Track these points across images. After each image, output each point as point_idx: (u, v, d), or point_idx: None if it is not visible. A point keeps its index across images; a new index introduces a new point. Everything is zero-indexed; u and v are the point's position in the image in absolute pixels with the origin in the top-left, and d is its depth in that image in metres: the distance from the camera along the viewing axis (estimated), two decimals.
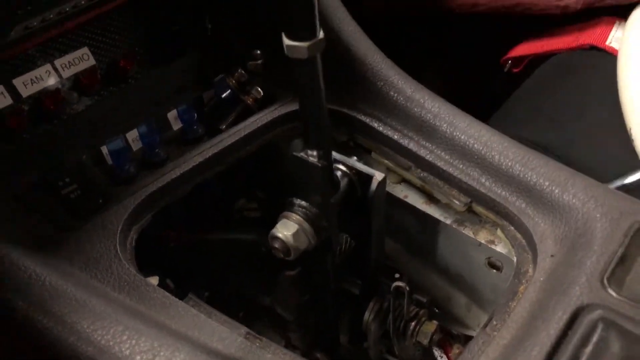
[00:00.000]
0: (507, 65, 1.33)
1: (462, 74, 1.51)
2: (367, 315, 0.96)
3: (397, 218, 0.95)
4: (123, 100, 0.97)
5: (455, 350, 0.99)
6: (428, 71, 1.61)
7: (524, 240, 0.80)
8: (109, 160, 0.91)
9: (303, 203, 0.79)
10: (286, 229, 0.78)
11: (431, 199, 0.91)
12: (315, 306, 0.98)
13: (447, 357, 1.02)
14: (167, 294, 0.72)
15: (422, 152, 0.88)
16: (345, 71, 0.95)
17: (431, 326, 0.95)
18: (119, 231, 0.79)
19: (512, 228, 0.82)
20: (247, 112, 1.00)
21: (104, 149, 0.92)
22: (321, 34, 0.65)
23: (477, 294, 1.00)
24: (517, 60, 1.31)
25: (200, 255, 1.11)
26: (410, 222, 0.94)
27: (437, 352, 1.03)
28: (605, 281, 0.66)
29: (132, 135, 0.94)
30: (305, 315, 1.04)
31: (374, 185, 0.82)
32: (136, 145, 0.95)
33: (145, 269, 0.81)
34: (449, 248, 0.96)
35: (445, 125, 0.88)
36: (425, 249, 0.99)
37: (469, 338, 1.05)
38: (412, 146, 0.89)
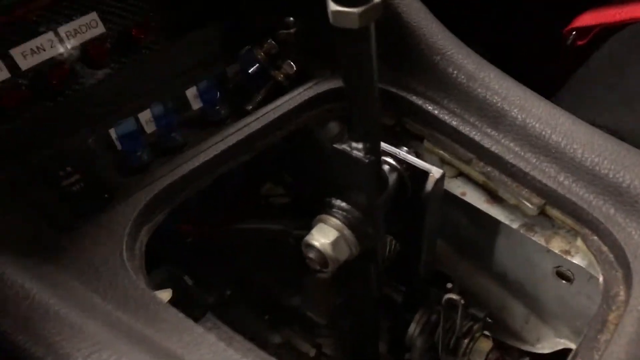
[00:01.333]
0: (571, 37, 1.16)
1: (515, 46, 1.34)
2: (413, 328, 0.83)
3: (450, 216, 0.81)
4: (135, 75, 0.84)
5: None
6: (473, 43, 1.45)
7: (611, 255, 0.66)
8: (119, 146, 0.79)
9: (344, 205, 0.65)
10: (324, 237, 0.65)
11: (494, 197, 0.77)
12: (352, 311, 0.86)
13: None
14: (180, 315, 0.60)
15: (487, 142, 0.74)
16: (393, 42, 0.80)
17: (487, 344, 0.82)
18: (126, 233, 0.67)
19: (596, 238, 0.67)
20: (277, 90, 0.86)
21: (113, 133, 0.79)
22: None
23: (537, 305, 0.86)
24: (583, 31, 1.14)
25: (221, 249, 0.99)
26: (465, 222, 0.80)
27: None
28: None
29: (145, 116, 0.81)
30: (340, 320, 0.92)
31: (430, 183, 0.68)
32: (150, 128, 0.81)
33: (157, 264, 0.69)
34: (509, 252, 0.82)
35: (515, 110, 0.73)
36: (479, 251, 0.86)
37: (522, 353, 0.92)
38: (474, 134, 0.75)
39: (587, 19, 1.14)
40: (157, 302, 0.61)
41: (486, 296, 0.90)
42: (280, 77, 0.86)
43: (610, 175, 0.67)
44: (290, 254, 0.90)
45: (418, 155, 0.79)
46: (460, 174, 0.79)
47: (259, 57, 0.86)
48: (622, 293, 0.62)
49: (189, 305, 0.95)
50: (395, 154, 0.70)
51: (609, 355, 0.56)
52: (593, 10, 1.15)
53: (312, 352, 0.93)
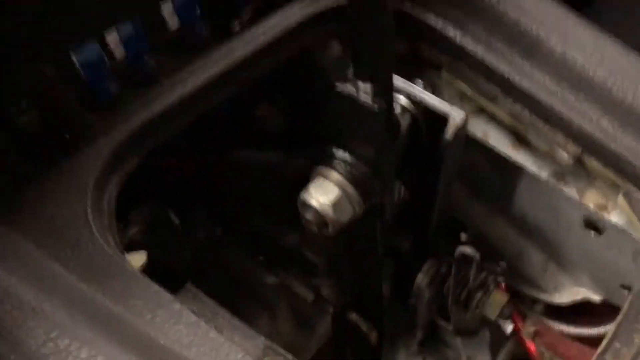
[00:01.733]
0: None
1: None
2: (421, 279, 0.76)
3: (467, 157, 0.71)
4: None
5: (530, 327, 0.79)
6: None
7: None
8: (83, 75, 0.67)
9: (347, 157, 0.55)
10: (323, 195, 0.55)
11: (522, 141, 0.66)
12: (353, 262, 0.78)
13: (515, 325, 0.82)
14: (154, 287, 0.51)
15: (517, 76, 0.62)
16: None
17: (502, 298, 0.75)
18: (92, 185, 0.57)
19: None
20: (268, 4, 0.73)
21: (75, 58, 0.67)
22: None
23: (558, 253, 0.78)
24: None
25: (210, 184, 0.89)
26: (484, 166, 0.70)
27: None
28: None
29: (112, 38, 0.69)
30: (340, 262, 0.85)
31: (449, 131, 0.57)
32: (119, 53, 0.69)
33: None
34: (531, 198, 0.72)
35: (554, 37, 0.61)
36: (497, 194, 0.76)
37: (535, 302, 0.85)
38: (502, 66, 0.63)
39: None
40: (128, 272, 0.52)
41: (502, 241, 0.82)
42: None
43: None
44: (286, 188, 0.80)
45: (435, 91, 0.67)
46: (483, 111, 0.68)
47: None
48: None
49: (176, 246, 0.88)
50: (409, 92, 0.58)
51: None
52: None
53: (310, 297, 0.86)
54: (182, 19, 0.72)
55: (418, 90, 0.58)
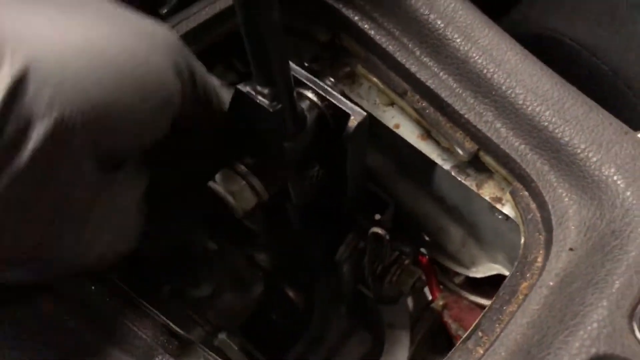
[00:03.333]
0: None
1: None
2: (342, 251, 0.81)
3: (386, 142, 0.75)
4: None
5: (439, 300, 0.86)
6: None
7: (538, 214, 0.61)
8: None
9: (253, 150, 0.59)
10: (226, 184, 0.59)
11: (427, 133, 0.70)
12: (276, 237, 0.83)
13: (433, 296, 0.89)
14: None
15: (423, 75, 0.65)
16: None
17: (414, 272, 0.80)
18: None
19: (527, 194, 0.62)
20: None
21: None
22: None
23: (475, 232, 0.83)
24: None
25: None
26: (403, 151, 0.74)
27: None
28: (636, 321, 0.49)
29: None
30: (267, 234, 0.90)
31: (350, 127, 0.61)
32: None
33: None
34: (446, 181, 0.77)
35: (459, 38, 0.64)
36: (418, 175, 0.81)
37: (456, 275, 0.91)
38: (410, 64, 0.66)
39: None
40: None
41: (424, 217, 0.87)
42: None
43: (550, 128, 0.60)
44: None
45: (355, 81, 0.71)
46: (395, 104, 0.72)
47: None
48: (539, 260, 0.59)
49: None
50: (317, 90, 0.62)
51: (508, 333, 0.53)
52: None
53: (245, 262, 0.92)
54: None
55: (325, 88, 0.61)
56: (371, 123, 0.70)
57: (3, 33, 0.40)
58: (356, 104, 0.70)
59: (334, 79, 0.73)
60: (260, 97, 0.54)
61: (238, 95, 0.56)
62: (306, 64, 0.76)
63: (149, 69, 0.47)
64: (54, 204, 0.44)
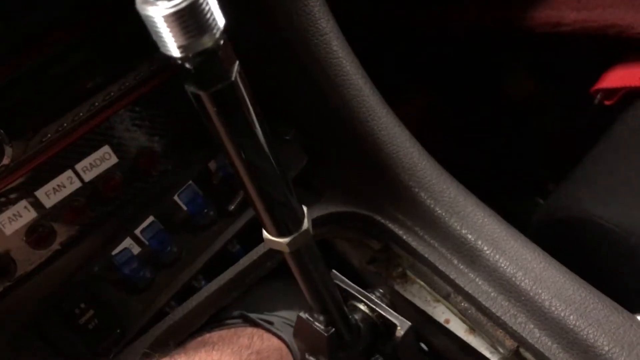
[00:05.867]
0: (598, 97, 1.10)
1: (545, 103, 1.29)
2: None
3: (436, 342, 0.84)
4: (135, 196, 0.91)
5: None
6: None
7: None
8: (120, 270, 0.87)
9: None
10: None
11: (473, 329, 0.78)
12: None
13: None
14: None
15: (462, 281, 0.75)
16: (375, 169, 0.82)
17: None
18: None
19: None
20: None
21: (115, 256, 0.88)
22: (305, 225, 0.54)
23: None
24: (610, 92, 1.09)
25: None
26: (452, 347, 0.82)
27: None
28: None
29: (141, 232, 0.90)
30: None
31: (398, 336, 0.71)
32: (145, 238, 0.90)
33: None
34: None
35: (489, 249, 0.74)
36: None
37: None
38: (450, 271, 0.77)
39: (613, 80, 1.08)
40: None
41: None
42: None
43: (576, 331, 0.67)
44: None
45: (407, 281, 0.82)
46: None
47: None
48: None
49: None
50: (368, 302, 0.73)
51: None
52: (621, 67, 1.09)
53: None
54: (189, 208, 0.91)
55: (375, 301, 0.73)
56: (423, 319, 0.80)
57: None
58: (409, 301, 0.81)
59: (388, 278, 0.85)
60: (316, 324, 0.67)
61: (300, 321, 0.68)
62: (365, 265, 0.89)
63: None
64: None
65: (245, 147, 0.45)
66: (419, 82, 1.46)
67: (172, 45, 0.37)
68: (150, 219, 0.89)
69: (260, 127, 0.44)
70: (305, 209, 0.54)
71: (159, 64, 0.89)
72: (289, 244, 0.54)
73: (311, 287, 0.62)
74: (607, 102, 1.10)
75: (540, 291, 0.70)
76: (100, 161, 0.89)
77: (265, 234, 0.55)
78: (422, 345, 0.86)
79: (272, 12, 0.78)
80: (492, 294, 0.73)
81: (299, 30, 0.79)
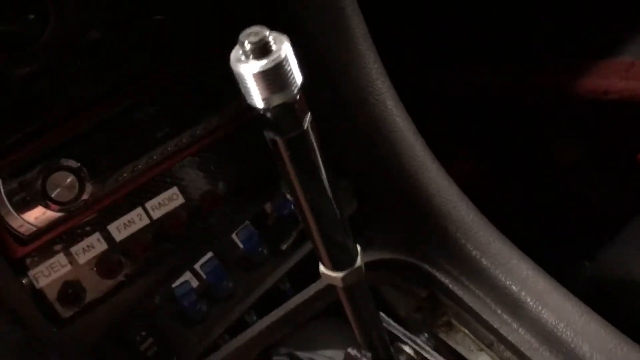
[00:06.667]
0: None
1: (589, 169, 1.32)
2: None
3: None
4: (197, 234, 0.98)
5: None
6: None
7: None
8: (179, 301, 0.93)
9: None
10: None
11: None
12: None
13: None
14: None
15: (505, 330, 0.78)
16: (424, 221, 0.87)
17: None
18: None
19: None
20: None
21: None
22: (358, 262, 0.59)
23: None
24: None
25: None
26: None
27: None
28: None
29: (200, 267, 0.96)
30: None
31: None
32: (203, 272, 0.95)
33: None
34: None
35: (532, 300, 0.77)
36: None
37: None
38: (494, 321, 0.79)
39: None
40: None
41: None
42: None
43: None
44: None
45: (451, 329, 0.85)
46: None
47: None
48: None
49: None
50: (413, 346, 0.77)
51: None
52: None
53: None
54: (245, 246, 0.97)
55: (421, 344, 0.76)
56: None
57: None
58: (453, 349, 0.84)
59: (433, 326, 0.88)
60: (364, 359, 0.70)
61: (348, 357, 0.72)
62: (411, 313, 0.92)
63: None
64: None
65: (311, 188, 0.50)
66: (467, 146, 1.51)
67: (257, 98, 0.43)
68: (209, 254, 0.96)
69: (325, 171, 0.50)
70: (359, 247, 0.59)
71: (226, 117, 0.98)
72: (343, 279, 0.59)
73: (361, 324, 0.67)
74: None
75: (581, 344, 0.72)
76: (168, 201, 0.96)
77: (322, 268, 0.60)
78: None
79: (336, 73, 0.86)
80: (535, 344, 0.76)
81: (357, 91, 0.86)
